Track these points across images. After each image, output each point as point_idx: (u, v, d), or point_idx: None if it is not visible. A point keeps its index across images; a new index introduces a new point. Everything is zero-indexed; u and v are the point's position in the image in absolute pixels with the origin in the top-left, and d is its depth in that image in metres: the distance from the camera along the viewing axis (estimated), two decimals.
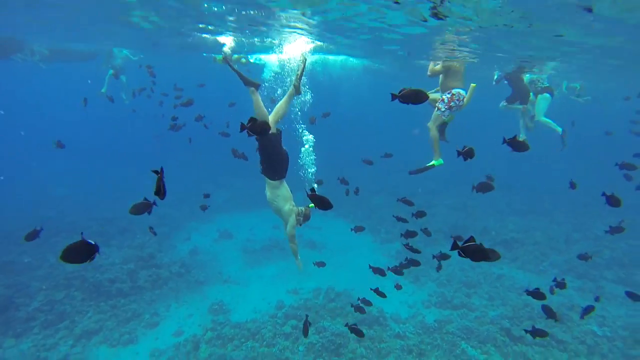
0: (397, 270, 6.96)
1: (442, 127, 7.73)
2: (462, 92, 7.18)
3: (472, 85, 7.02)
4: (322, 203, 4.43)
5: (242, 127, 4.62)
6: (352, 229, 9.46)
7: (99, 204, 19.42)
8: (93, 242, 3.14)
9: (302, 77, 6.02)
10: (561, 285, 6.75)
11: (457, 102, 7.10)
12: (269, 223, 19.65)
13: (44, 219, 15.53)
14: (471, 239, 3.31)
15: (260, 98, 5.73)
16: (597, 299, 9.11)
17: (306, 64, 6.02)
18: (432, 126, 7.49)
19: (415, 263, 7.01)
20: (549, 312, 5.97)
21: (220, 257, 15.42)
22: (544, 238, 15.50)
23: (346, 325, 6.34)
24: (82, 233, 3.34)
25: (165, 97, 13.83)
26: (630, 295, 7.00)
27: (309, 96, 7.53)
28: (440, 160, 7.36)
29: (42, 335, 9.61)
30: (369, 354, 8.73)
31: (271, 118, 5.83)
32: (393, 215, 8.01)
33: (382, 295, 6.49)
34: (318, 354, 8.75)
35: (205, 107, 12.99)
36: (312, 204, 6.10)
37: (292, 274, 14.13)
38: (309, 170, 7.06)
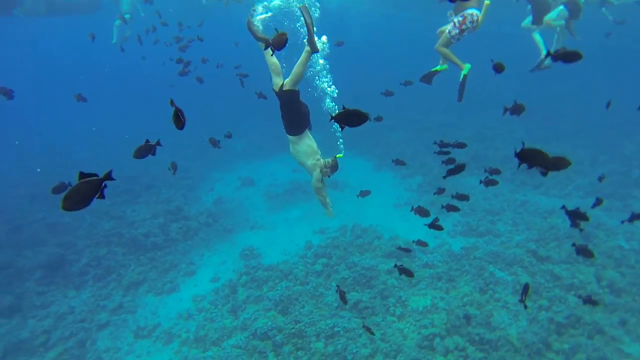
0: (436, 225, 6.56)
1: (431, 74, 7.44)
2: (475, 11, 6.63)
3: (486, 2, 6.49)
4: (354, 118, 3.57)
5: (267, 44, 4.40)
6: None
7: (121, 162, 19.81)
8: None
9: (314, 30, 5.33)
10: (599, 202, 6.46)
11: (471, 24, 6.57)
12: (289, 167, 19.78)
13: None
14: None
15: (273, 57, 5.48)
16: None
17: (311, 16, 5.28)
18: (440, 48, 7.07)
19: (454, 209, 6.80)
20: (574, 218, 5.56)
21: (245, 204, 15.82)
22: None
23: (395, 266, 6.24)
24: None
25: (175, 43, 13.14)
26: None
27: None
28: (468, 65, 7.02)
29: (96, 287, 10.38)
30: (400, 283, 9.11)
31: (289, 80, 5.55)
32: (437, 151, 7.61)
33: (439, 228, 6.11)
34: (351, 287, 9.18)
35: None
36: (340, 154, 6.12)
37: (317, 215, 14.46)
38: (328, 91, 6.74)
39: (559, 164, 3.18)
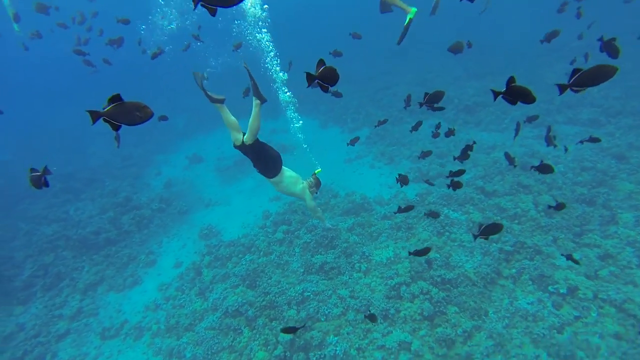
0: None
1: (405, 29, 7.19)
2: None
3: None
4: (327, 76, 3.20)
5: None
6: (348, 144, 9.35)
7: (52, 159, 18.29)
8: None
9: (257, 86, 5.29)
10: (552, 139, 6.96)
11: None
12: None
13: None
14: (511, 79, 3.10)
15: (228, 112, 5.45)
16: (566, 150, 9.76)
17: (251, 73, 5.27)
18: None
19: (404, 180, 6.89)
20: (509, 159, 6.43)
21: (197, 183, 15.32)
22: (499, 101, 15.81)
23: (365, 316, 5.82)
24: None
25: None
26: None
27: None
28: (414, 9, 6.88)
29: (47, 297, 9.79)
30: (361, 239, 9.31)
31: (248, 135, 5.42)
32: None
33: (576, 261, 5.71)
34: (314, 250, 9.28)
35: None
36: (318, 170, 6.48)
37: None
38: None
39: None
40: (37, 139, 22.17)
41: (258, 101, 5.32)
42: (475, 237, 4.42)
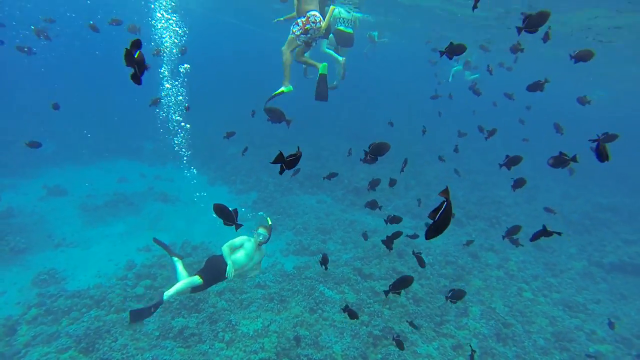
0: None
1: (304, 60, 7.60)
2: (318, 14, 6.95)
3: (332, 7, 6.98)
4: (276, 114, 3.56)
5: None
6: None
7: None
8: None
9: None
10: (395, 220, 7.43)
11: (313, 25, 6.84)
12: (113, 176, 17.36)
13: None
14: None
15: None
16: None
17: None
18: (285, 50, 7.17)
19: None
20: (388, 244, 6.78)
21: (50, 218, 13.01)
22: (386, 187, 17.46)
23: None
24: None
25: None
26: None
27: None
28: (290, 87, 7.17)
29: None
30: (230, 305, 8.63)
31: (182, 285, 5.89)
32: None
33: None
34: (176, 312, 8.26)
35: None
36: (267, 218, 6.62)
37: (144, 230, 12.88)
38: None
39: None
40: None
41: (176, 258, 6.63)
42: (386, 293, 4.53)
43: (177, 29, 11.43)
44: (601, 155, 3.85)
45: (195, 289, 5.91)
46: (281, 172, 3.24)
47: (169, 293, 5.65)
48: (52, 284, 9.45)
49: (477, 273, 11.04)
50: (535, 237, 4.32)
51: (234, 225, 4.05)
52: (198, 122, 10.90)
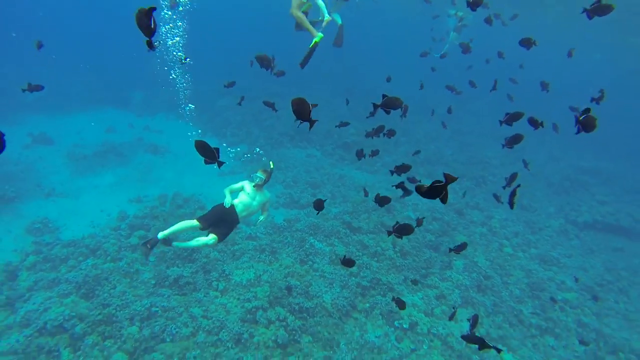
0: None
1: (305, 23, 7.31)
2: None
3: None
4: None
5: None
6: None
7: None
8: None
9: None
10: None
11: None
12: (103, 125, 16.98)
13: None
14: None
15: None
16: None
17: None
18: (294, 12, 6.98)
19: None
20: (379, 201, 6.92)
21: (38, 167, 12.87)
22: (378, 141, 17.53)
23: None
24: None
25: None
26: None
27: None
28: (320, 34, 7.00)
29: None
30: (223, 256, 8.90)
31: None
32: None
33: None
34: (170, 262, 8.52)
35: None
36: (271, 162, 6.55)
37: (134, 181, 12.88)
38: None
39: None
40: None
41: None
42: (389, 233, 4.83)
43: None
44: (587, 126, 3.99)
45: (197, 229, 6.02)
46: (300, 123, 3.38)
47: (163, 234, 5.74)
48: (46, 232, 9.56)
49: (462, 229, 11.52)
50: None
51: (216, 163, 4.02)
52: (186, 74, 10.59)
